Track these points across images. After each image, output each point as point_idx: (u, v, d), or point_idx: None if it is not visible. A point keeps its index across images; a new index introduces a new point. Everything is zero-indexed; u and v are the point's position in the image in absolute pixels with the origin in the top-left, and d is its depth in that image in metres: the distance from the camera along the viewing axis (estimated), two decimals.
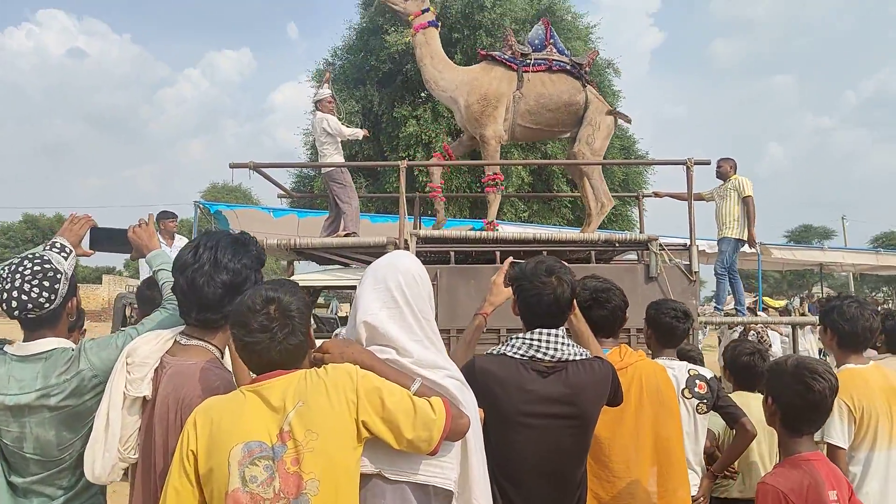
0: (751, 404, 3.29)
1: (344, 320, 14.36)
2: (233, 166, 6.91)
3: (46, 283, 2.09)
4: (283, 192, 9.37)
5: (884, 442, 2.77)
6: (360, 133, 7.94)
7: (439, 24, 7.85)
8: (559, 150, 15.85)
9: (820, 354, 11.32)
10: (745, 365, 3.49)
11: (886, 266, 14.36)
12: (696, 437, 3.07)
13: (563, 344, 2.19)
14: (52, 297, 2.10)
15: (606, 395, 2.24)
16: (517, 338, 2.23)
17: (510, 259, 2.54)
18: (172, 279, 2.20)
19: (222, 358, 2.10)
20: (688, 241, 6.65)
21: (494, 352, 2.25)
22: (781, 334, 9.58)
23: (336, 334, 5.44)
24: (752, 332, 8.02)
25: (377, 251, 6.54)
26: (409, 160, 15.13)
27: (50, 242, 2.26)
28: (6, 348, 2.17)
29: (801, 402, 2.15)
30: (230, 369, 2.12)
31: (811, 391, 2.13)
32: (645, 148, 18.71)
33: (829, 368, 2.22)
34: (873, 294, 49.15)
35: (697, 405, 3.06)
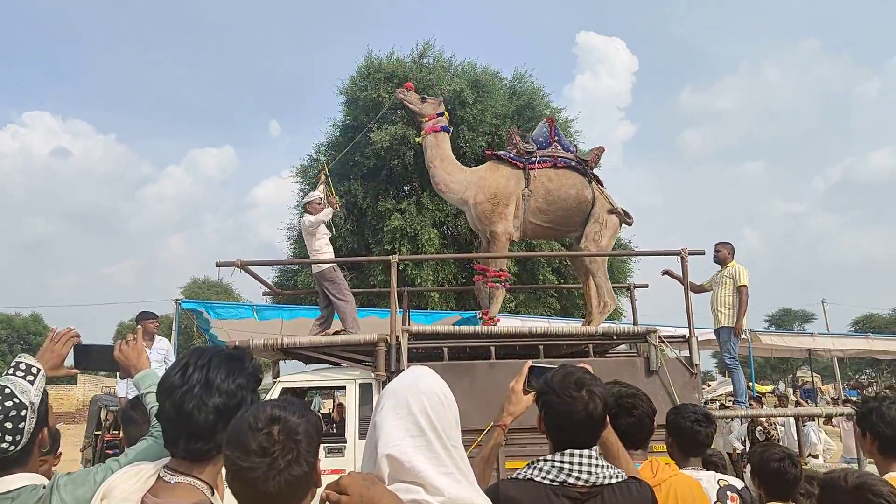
0: None
1: (326, 417, 13.89)
2: (220, 265, 6.72)
3: (9, 425, 1.84)
4: (268, 290, 9.14)
5: None
6: (329, 211, 7.72)
7: (451, 129, 7.95)
8: (544, 242, 15.89)
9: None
10: (775, 472, 3.21)
11: (879, 350, 14.27)
12: None
13: (597, 466, 1.93)
14: (18, 439, 1.85)
15: None
16: (546, 460, 1.97)
17: (529, 363, 2.31)
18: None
19: (213, 495, 1.83)
20: (687, 333, 6.48)
21: (520, 476, 1.99)
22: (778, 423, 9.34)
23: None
24: (759, 426, 7.72)
25: (367, 349, 6.32)
26: (395, 253, 15.10)
27: (13, 363, 2.01)
28: None
29: None
30: None
31: None
32: (626, 236, 18.87)
33: (894, 490, 2.00)
34: (856, 377, 49.08)
35: None
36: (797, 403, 13.90)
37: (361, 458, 1.79)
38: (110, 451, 10.70)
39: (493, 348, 6.26)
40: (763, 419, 8.03)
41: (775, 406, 12.63)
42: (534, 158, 7.44)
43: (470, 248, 16.82)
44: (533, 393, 2.18)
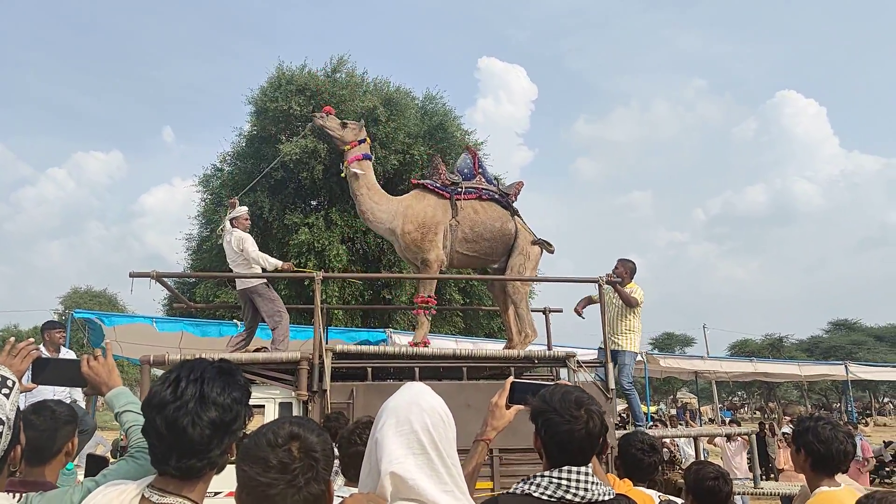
0: None
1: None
2: (133, 275, 6.38)
3: None
4: (177, 301, 8.77)
5: None
6: (280, 264, 7.53)
7: (372, 156, 7.81)
8: None
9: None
10: (709, 490, 3.40)
11: (762, 373, 15.30)
12: None
13: (592, 483, 1.99)
14: None
15: None
16: (543, 476, 2.01)
17: (511, 379, 2.36)
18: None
19: None
20: (602, 358, 6.72)
21: (518, 491, 2.02)
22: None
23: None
24: (664, 447, 8.06)
25: (288, 367, 6.18)
26: (300, 267, 14.83)
27: None
28: None
29: None
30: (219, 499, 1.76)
31: None
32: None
33: None
34: (730, 398, 52.20)
35: None
36: (686, 424, 14.64)
37: (360, 475, 1.78)
38: None
39: (416, 369, 6.26)
40: (667, 440, 8.40)
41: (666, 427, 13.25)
42: (459, 189, 7.51)
43: (378, 264, 16.77)
44: (515, 407, 2.23)
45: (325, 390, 5.98)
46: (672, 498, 3.10)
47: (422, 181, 7.73)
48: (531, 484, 2.01)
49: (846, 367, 16.22)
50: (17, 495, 1.81)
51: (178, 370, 1.75)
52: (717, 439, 11.44)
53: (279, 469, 1.42)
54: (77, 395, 7.45)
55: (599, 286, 6.86)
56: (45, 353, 6.52)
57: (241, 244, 7.19)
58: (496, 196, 7.72)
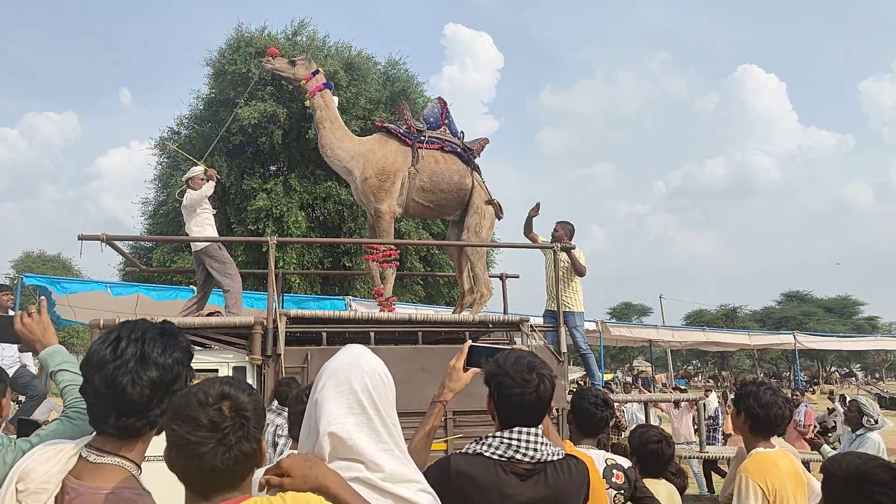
0: (658, 491, 3.31)
1: None
2: (82, 238, 6.24)
3: None
4: (130, 266, 8.62)
5: None
6: (211, 185, 7.38)
7: (333, 85, 7.73)
8: (412, 229, 16.05)
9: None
10: (653, 452, 3.52)
11: (713, 342, 15.69)
12: None
13: (542, 443, 2.06)
14: None
15: (583, 496, 2.15)
16: (494, 437, 2.07)
17: (469, 343, 2.41)
18: (77, 381, 1.84)
19: (141, 475, 1.75)
20: (554, 322, 6.83)
21: (469, 451, 2.08)
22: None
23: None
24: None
25: (242, 332, 6.15)
26: (259, 234, 14.69)
27: None
28: None
29: None
30: (149, 491, 1.76)
31: None
32: None
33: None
34: (685, 367, 53.49)
35: (615, 496, 3.03)
36: (640, 391, 15.00)
37: (300, 437, 1.80)
38: None
39: (372, 334, 6.28)
40: (615, 406, 8.60)
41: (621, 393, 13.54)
42: (423, 137, 7.47)
43: (338, 231, 16.67)
44: (472, 370, 2.28)
45: (280, 355, 5.97)
46: (618, 459, 3.19)
47: (386, 125, 7.65)
48: (483, 444, 2.07)
49: (794, 336, 16.73)
50: None
51: (119, 330, 1.75)
52: (663, 405, 11.75)
53: (210, 428, 1.43)
54: (28, 359, 7.33)
55: (554, 252, 6.94)
56: None
57: (191, 201, 7.10)
58: (458, 149, 7.70)
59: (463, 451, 2.10)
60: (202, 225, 7.11)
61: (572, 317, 7.40)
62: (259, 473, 1.62)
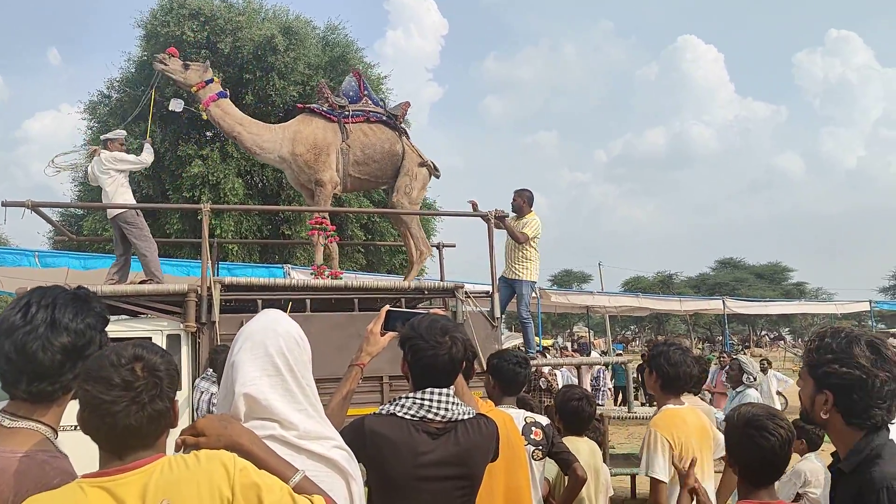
0: (580, 448, 3.48)
1: None
2: (6, 204, 6.06)
3: None
4: (60, 234, 8.40)
5: (699, 476, 3.07)
6: (146, 158, 7.39)
7: (227, 92, 7.49)
8: (353, 198, 15.97)
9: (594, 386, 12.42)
10: (573, 410, 3.69)
11: (645, 308, 16.18)
12: (534, 483, 3.18)
13: (453, 403, 2.16)
14: None
15: (492, 452, 2.25)
16: (407, 397, 2.16)
17: (387, 307, 2.48)
18: None
19: (56, 439, 1.78)
20: (489, 289, 6.96)
21: (383, 412, 2.16)
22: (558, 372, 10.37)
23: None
24: (542, 376, 8.44)
25: (176, 299, 6.10)
26: (195, 202, 14.40)
27: None
28: None
29: (753, 459, 2.15)
30: (66, 454, 1.79)
31: (762, 449, 2.12)
32: (431, 196, 19.49)
33: (780, 420, 2.20)
34: (623, 332, 55.01)
35: (533, 451, 3.19)
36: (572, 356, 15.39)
37: (217, 399, 1.85)
38: None
39: (308, 301, 6.31)
40: (545, 370, 8.82)
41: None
42: (347, 112, 7.44)
43: (276, 199, 16.47)
44: (389, 335, 2.36)
45: (214, 322, 5.96)
46: (537, 417, 3.33)
47: (308, 105, 7.64)
48: (396, 405, 2.16)
49: (724, 302, 17.39)
50: None
51: (30, 296, 1.76)
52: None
53: (123, 387, 1.46)
54: None
55: (487, 221, 7.04)
56: None
57: (113, 160, 6.98)
58: (384, 118, 7.71)
59: (377, 412, 2.19)
60: (117, 188, 6.98)
61: (520, 285, 7.48)
62: (176, 434, 1.66)
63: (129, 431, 1.46)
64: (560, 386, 10.16)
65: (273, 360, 1.74)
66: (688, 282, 50.71)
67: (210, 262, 7.88)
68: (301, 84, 16.03)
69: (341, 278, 7.04)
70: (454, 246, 8.83)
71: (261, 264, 13.79)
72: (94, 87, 22.34)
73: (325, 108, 7.40)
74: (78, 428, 1.53)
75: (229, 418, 1.68)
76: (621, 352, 20.55)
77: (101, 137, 7.26)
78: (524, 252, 7.44)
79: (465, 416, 2.18)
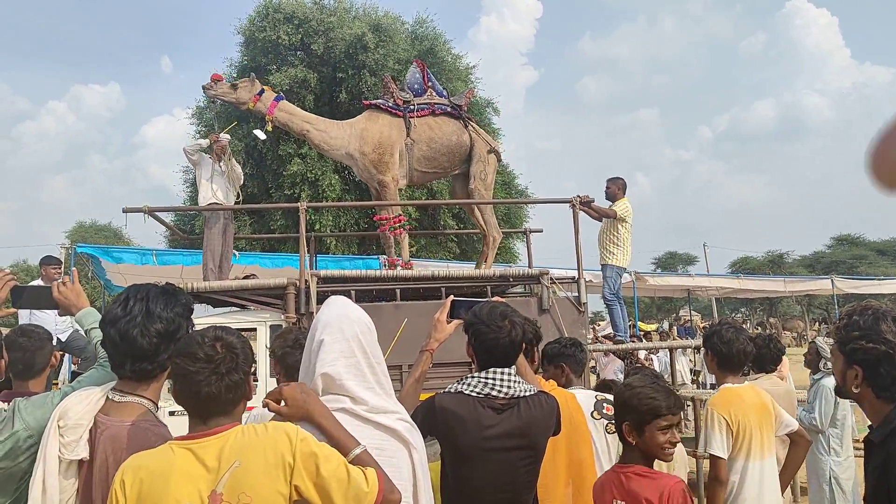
0: None
1: None
2: (126, 211, 6.67)
3: None
4: (175, 235, 9.06)
5: (757, 453, 3.12)
6: (202, 142, 7.67)
7: (283, 96, 7.70)
8: (445, 188, 16.24)
9: (692, 374, 12.17)
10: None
11: (746, 290, 15.67)
12: (609, 455, 3.31)
13: (515, 382, 2.36)
14: None
15: (553, 426, 2.44)
16: (473, 377, 2.38)
17: (452, 297, 2.69)
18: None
19: (157, 410, 2.10)
20: (575, 274, 7.02)
21: (452, 390, 2.38)
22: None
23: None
24: (637, 360, 8.42)
25: (277, 292, 6.52)
26: (295, 199, 15.09)
27: None
28: None
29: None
30: (165, 423, 2.10)
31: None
32: (523, 182, 19.53)
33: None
34: (732, 314, 52.96)
35: (607, 425, 3.31)
36: (671, 339, 15.11)
37: (299, 376, 2.11)
38: None
39: (398, 291, 6.58)
40: (641, 354, 8.77)
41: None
42: (412, 107, 7.55)
43: (370, 194, 16.97)
44: (455, 322, 2.58)
45: (312, 313, 6.32)
46: (608, 396, 3.45)
47: (373, 101, 7.76)
48: (463, 384, 2.39)
49: (832, 281, 16.55)
50: (5, 403, 2.14)
51: (127, 291, 2.12)
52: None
53: (205, 360, 1.73)
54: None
55: (573, 206, 7.08)
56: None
57: (186, 157, 7.55)
58: (448, 109, 7.80)
59: (445, 390, 2.40)
60: (205, 193, 7.52)
61: (605, 268, 7.52)
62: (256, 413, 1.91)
63: (209, 398, 1.73)
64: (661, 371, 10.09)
65: (349, 344, 1.98)
66: (801, 261, 48.10)
67: (308, 256, 8.35)
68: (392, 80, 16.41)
69: (412, 269, 7.27)
70: (541, 231, 8.88)
71: (358, 256, 14.29)
72: (198, 93, 23.59)
73: (390, 104, 7.54)
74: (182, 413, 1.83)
75: (309, 390, 1.93)
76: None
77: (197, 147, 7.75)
78: (613, 236, 7.43)
79: (527, 393, 2.38)
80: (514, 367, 2.41)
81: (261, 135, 7.78)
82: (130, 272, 11.37)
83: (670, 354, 8.51)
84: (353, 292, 6.59)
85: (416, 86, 7.78)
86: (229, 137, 7.77)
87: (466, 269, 8.20)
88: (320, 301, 6.51)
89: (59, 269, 7.50)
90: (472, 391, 2.34)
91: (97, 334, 2.33)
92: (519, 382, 2.38)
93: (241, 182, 7.90)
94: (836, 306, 19.74)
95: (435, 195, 15.65)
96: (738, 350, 3.19)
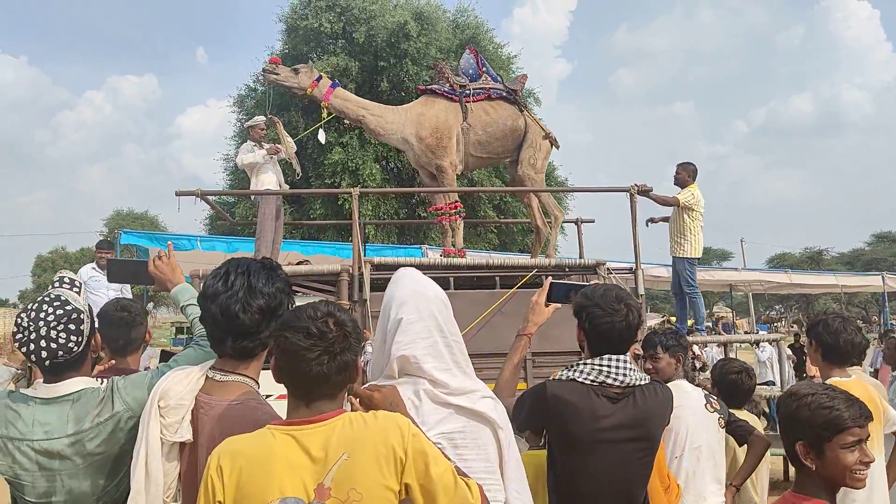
0: None
1: None
2: (179, 194, 6.66)
3: (72, 327, 1.96)
4: (219, 219, 9.07)
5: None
6: (260, 153, 7.47)
7: (339, 83, 7.61)
8: (485, 177, 16.12)
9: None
10: (732, 382, 3.63)
11: (794, 285, 15.34)
12: (721, 449, 3.20)
13: (630, 369, 2.23)
14: (80, 340, 1.97)
15: (668, 417, 2.31)
16: (586, 363, 2.24)
17: (550, 280, 2.57)
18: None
19: (259, 388, 2.00)
20: (633, 265, 6.86)
21: (563, 377, 2.26)
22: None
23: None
24: (694, 355, 8.20)
25: (330, 279, 6.46)
26: (335, 187, 15.08)
27: (57, 278, 2.12)
28: (25, 391, 2.01)
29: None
30: (269, 402, 2.01)
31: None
32: (561, 174, 19.32)
33: None
34: (767, 312, 52.08)
35: (718, 419, 3.19)
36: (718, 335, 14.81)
37: (371, 359, 2.01)
38: None
39: (451, 279, 6.48)
40: (696, 348, 8.55)
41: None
42: (468, 91, 7.44)
43: (412, 182, 16.88)
44: (553, 305, 2.44)
45: (366, 300, 6.25)
46: (710, 395, 3.34)
47: (429, 87, 7.64)
48: (575, 371, 2.24)
49: (883, 278, 16.13)
50: (103, 380, 2.07)
51: (227, 265, 1.99)
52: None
53: (318, 336, 1.59)
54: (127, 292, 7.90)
55: (631, 195, 6.91)
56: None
57: (239, 163, 7.49)
58: (504, 93, 7.65)
59: (556, 377, 2.28)
60: (257, 173, 7.45)
61: (677, 262, 7.41)
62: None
63: (319, 378, 1.59)
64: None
65: (426, 323, 1.87)
66: (839, 258, 47.18)
67: (361, 242, 8.28)
68: (433, 69, 16.29)
69: (466, 257, 7.16)
70: (593, 221, 8.71)
71: (399, 245, 14.23)
72: (238, 81, 23.75)
73: (446, 89, 7.42)
74: (269, 397, 1.71)
75: (399, 399, 1.79)
76: (763, 332, 19.49)
77: (245, 125, 7.74)
78: (679, 226, 7.25)
79: (642, 382, 2.24)
80: (628, 354, 2.27)
81: (323, 137, 7.66)
82: (175, 258, 11.43)
83: (724, 350, 8.31)
84: None
85: (470, 71, 7.64)
86: (263, 119, 7.70)
87: (521, 258, 8.06)
88: (374, 289, 6.44)
89: (111, 253, 7.54)
90: (585, 378, 2.20)
91: (193, 311, 2.25)
92: (634, 370, 2.24)
93: (295, 150, 7.88)
94: (887, 303, 19.19)
95: (474, 184, 15.52)
96: (845, 341, 3.01)
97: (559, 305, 2.50)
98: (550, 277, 2.66)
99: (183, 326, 24.70)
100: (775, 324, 49.31)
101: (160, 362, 2.36)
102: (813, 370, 10.71)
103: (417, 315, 1.87)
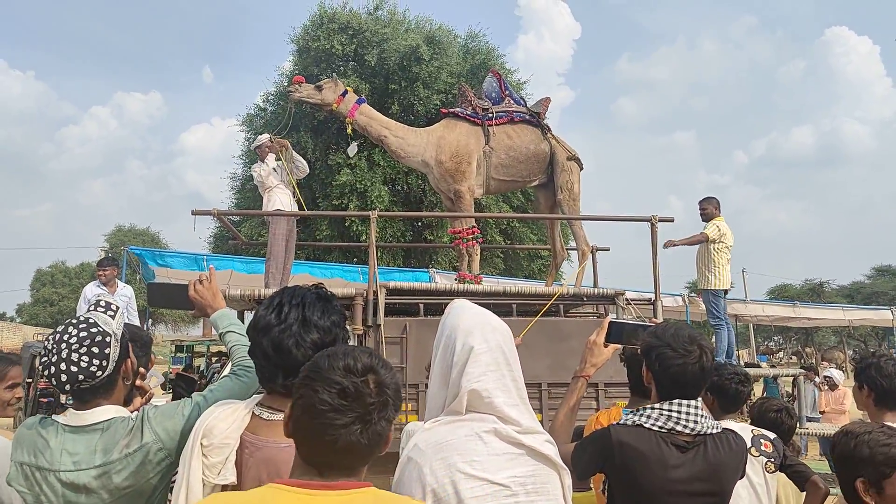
0: None
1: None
2: (195, 213, 6.58)
3: (95, 350, 1.84)
4: (231, 238, 9.00)
5: None
6: (271, 158, 7.41)
7: (365, 99, 7.61)
8: (493, 202, 16.06)
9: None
10: (772, 421, 3.50)
11: (800, 318, 15.24)
12: (768, 495, 3.04)
13: (701, 416, 2.09)
14: (104, 364, 1.86)
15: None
16: (653, 408, 2.10)
17: (609, 318, 2.45)
18: (243, 342, 2.00)
19: None
20: (652, 296, 6.74)
21: (629, 422, 2.12)
22: None
23: None
24: None
25: (344, 303, 6.33)
26: (342, 209, 15.00)
27: (93, 302, 2.02)
28: (57, 417, 1.89)
29: None
30: None
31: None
32: None
33: None
34: (766, 343, 51.83)
35: (766, 463, 3.05)
36: None
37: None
38: (44, 400, 10.43)
39: None
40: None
41: None
42: (490, 115, 7.37)
43: (420, 205, 16.84)
44: (612, 346, 2.32)
45: (380, 325, 6.12)
46: (763, 431, 3.19)
47: (452, 110, 7.57)
48: (641, 416, 2.10)
49: (892, 312, 16.05)
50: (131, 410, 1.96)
51: (280, 296, 1.87)
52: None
53: (355, 398, 1.32)
54: (133, 317, 7.77)
55: (652, 225, 6.82)
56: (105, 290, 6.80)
57: (255, 170, 7.37)
58: (527, 117, 7.56)
59: (621, 422, 2.14)
60: (267, 195, 7.37)
61: (703, 294, 7.64)
62: None
63: (346, 449, 1.32)
64: None
65: (494, 354, 1.74)
66: (840, 290, 47.04)
67: (374, 267, 8.16)
68: (444, 93, 16.31)
69: (481, 283, 7.02)
70: (608, 250, 8.61)
71: (406, 269, 14.12)
72: (243, 101, 23.79)
73: (468, 112, 7.36)
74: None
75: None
76: (764, 364, 19.33)
77: (252, 147, 7.69)
78: (705, 258, 7.47)
79: (714, 430, 2.11)
80: (699, 399, 2.13)
81: (353, 150, 7.60)
82: (178, 277, 11.34)
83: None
84: (421, 306, 6.40)
85: (493, 94, 7.58)
86: (268, 136, 7.65)
87: (537, 286, 7.93)
88: (388, 313, 6.32)
89: (115, 270, 7.46)
90: (653, 425, 2.06)
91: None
92: (705, 417, 2.10)
93: (307, 173, 7.85)
94: (892, 337, 19.07)
95: (483, 209, 15.42)
96: None
97: (619, 346, 2.39)
98: (610, 316, 2.55)
99: (182, 345, 24.46)
100: (775, 355, 49.04)
101: (174, 390, 2.24)
102: (824, 406, 10.59)
103: (486, 346, 1.73)
